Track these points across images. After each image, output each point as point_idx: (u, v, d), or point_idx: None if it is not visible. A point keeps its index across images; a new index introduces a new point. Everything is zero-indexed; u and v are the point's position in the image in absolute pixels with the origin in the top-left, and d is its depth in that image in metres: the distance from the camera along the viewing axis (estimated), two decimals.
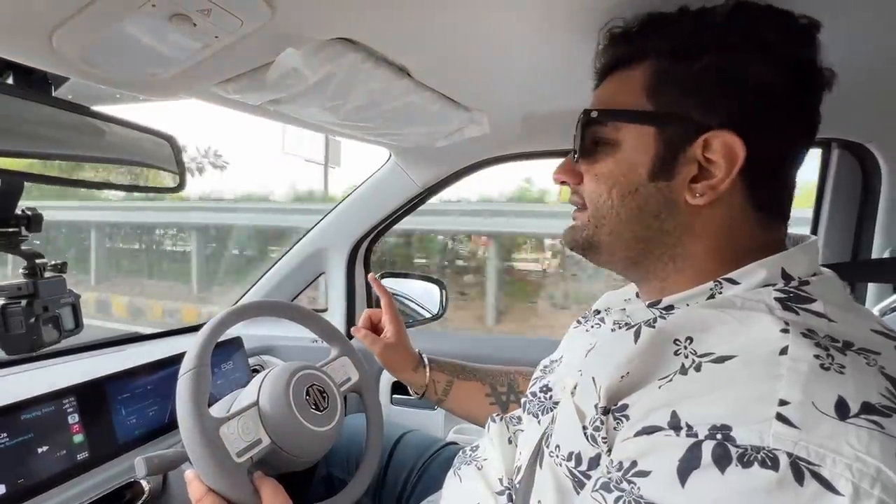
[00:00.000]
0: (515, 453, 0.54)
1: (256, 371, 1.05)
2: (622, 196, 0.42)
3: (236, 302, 1.25)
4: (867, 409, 0.27)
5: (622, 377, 0.37)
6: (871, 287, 0.88)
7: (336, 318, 1.23)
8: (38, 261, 0.65)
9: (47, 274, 0.66)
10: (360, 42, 0.50)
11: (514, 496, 0.50)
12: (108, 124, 0.57)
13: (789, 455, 0.27)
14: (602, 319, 0.57)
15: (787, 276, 0.38)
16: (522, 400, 0.58)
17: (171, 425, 0.80)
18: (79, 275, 6.32)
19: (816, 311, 0.35)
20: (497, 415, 0.62)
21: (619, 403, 0.36)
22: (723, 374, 0.32)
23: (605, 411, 0.37)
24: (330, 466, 0.89)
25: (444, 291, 1.16)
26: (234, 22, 0.40)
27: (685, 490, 0.28)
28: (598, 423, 0.37)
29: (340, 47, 0.49)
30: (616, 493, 0.32)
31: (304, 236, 1.23)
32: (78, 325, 0.70)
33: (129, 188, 0.62)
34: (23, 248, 0.64)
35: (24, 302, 0.63)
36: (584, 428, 0.39)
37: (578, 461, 0.39)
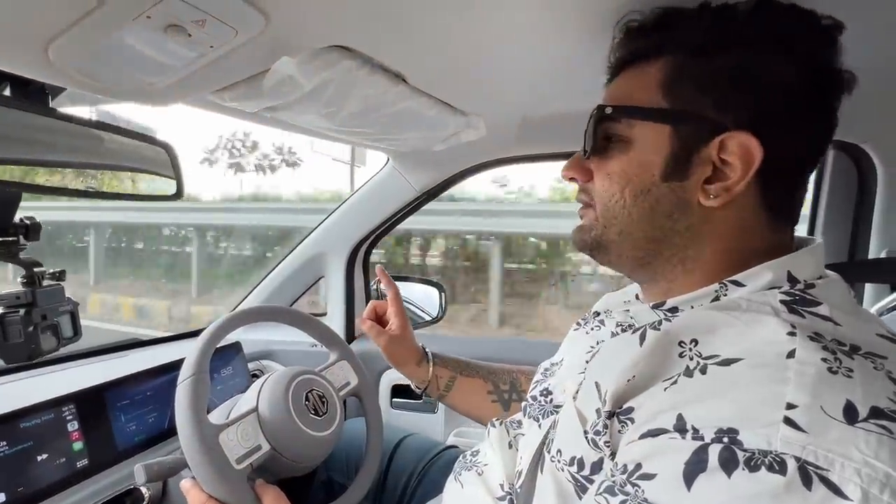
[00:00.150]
0: (516, 458, 0.54)
1: (256, 376, 1.05)
2: (634, 196, 0.41)
3: (236, 306, 1.25)
4: (876, 413, 0.27)
5: (628, 380, 0.36)
6: (868, 287, 0.89)
7: (335, 322, 1.23)
8: (36, 269, 0.66)
9: (46, 282, 0.66)
10: (355, 49, 0.50)
11: (515, 501, 0.50)
12: (106, 133, 0.58)
13: (797, 459, 0.26)
14: (602, 322, 0.57)
15: (792, 279, 0.37)
16: (523, 404, 0.58)
17: (170, 431, 0.80)
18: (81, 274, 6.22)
19: (822, 314, 0.34)
20: (497, 419, 0.62)
21: (625, 406, 0.36)
22: (729, 377, 0.32)
23: (610, 415, 0.37)
24: (330, 471, 0.89)
25: (443, 294, 1.16)
26: (229, 32, 0.40)
27: (691, 493, 0.28)
28: (599, 428, 0.37)
29: (335, 55, 0.50)
30: (620, 497, 0.32)
31: (303, 240, 1.23)
32: (76, 332, 0.70)
33: (128, 197, 0.62)
34: (21, 256, 0.64)
35: (22, 311, 0.63)
36: (586, 433, 0.39)
37: (581, 466, 0.39)
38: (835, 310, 0.34)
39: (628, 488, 0.32)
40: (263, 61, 0.48)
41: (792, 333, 0.32)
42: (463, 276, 5.33)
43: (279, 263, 1.24)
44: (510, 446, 0.58)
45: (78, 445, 0.67)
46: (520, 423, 0.60)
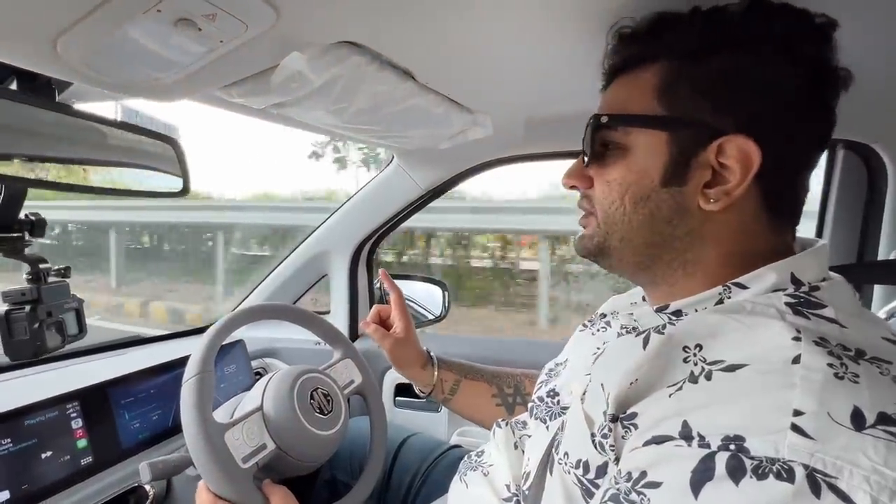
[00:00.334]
0: (523, 459, 0.53)
1: (259, 374, 1.05)
2: (634, 202, 0.41)
3: (239, 305, 1.25)
4: (883, 419, 0.27)
5: (631, 384, 0.36)
6: (878, 289, 0.88)
7: (339, 320, 1.23)
8: (41, 266, 0.65)
9: (51, 279, 0.66)
10: (364, 45, 0.50)
11: (522, 503, 0.50)
12: (112, 128, 0.57)
13: (805, 467, 0.26)
14: (608, 323, 0.57)
15: (796, 281, 0.37)
16: (529, 405, 0.57)
17: (174, 429, 0.80)
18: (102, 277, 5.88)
19: (827, 316, 0.34)
20: (503, 420, 0.62)
21: (628, 412, 0.36)
22: (734, 383, 0.31)
23: (614, 419, 0.37)
24: (334, 470, 0.88)
25: (446, 293, 1.16)
26: (239, 26, 0.40)
27: (698, 502, 0.28)
28: (606, 431, 0.37)
29: (345, 50, 0.49)
30: None
31: (306, 238, 1.23)
32: (82, 329, 0.69)
33: (134, 193, 0.61)
34: (26, 252, 0.64)
35: (27, 307, 0.63)
36: (593, 435, 0.38)
37: (586, 469, 0.39)
38: (840, 312, 0.34)
39: (633, 496, 0.31)
40: (273, 57, 0.48)
41: (797, 338, 0.31)
42: None
43: (282, 262, 1.24)
44: (516, 447, 0.58)
45: (82, 443, 0.67)
46: (525, 423, 0.60)
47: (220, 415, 0.63)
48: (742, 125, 0.37)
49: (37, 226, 0.63)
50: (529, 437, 0.55)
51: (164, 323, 5.08)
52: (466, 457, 0.63)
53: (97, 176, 0.59)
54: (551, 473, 0.44)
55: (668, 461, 0.31)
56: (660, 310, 0.42)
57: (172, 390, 0.81)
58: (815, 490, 0.26)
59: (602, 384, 0.39)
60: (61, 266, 0.68)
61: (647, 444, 0.32)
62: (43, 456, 0.62)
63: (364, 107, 0.62)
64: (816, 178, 0.95)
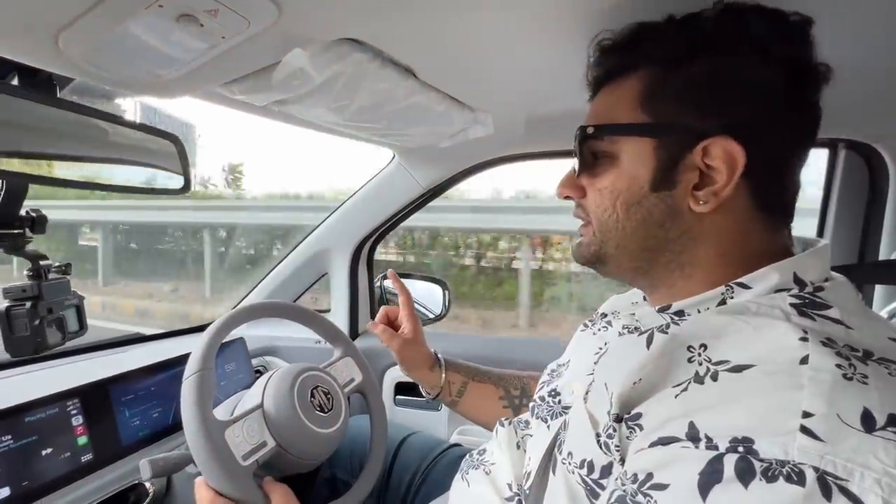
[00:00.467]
0: (524, 458, 0.53)
1: (259, 372, 1.05)
2: (626, 208, 0.41)
3: (239, 303, 1.25)
4: (893, 421, 0.27)
5: (634, 383, 0.36)
6: (879, 289, 0.88)
7: (339, 318, 1.23)
8: (42, 262, 0.65)
9: (51, 275, 0.66)
10: (366, 42, 0.50)
11: (524, 502, 0.50)
12: (113, 125, 0.57)
13: (816, 469, 0.26)
14: (609, 323, 0.57)
15: (799, 282, 0.37)
16: (531, 404, 0.57)
17: (175, 426, 0.80)
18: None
19: (833, 317, 0.34)
20: (505, 419, 0.62)
21: (633, 412, 0.35)
22: (742, 383, 0.31)
23: (618, 419, 0.36)
24: (333, 468, 0.88)
25: (446, 292, 1.16)
26: (242, 22, 0.40)
27: None
28: (611, 431, 0.37)
29: (346, 48, 0.49)
30: None
31: (307, 237, 1.23)
32: (82, 326, 0.69)
33: (134, 190, 0.61)
34: (27, 249, 0.64)
35: (28, 304, 0.63)
36: (598, 435, 0.38)
37: (591, 469, 0.39)
38: (845, 313, 0.34)
39: (640, 498, 0.31)
40: (274, 53, 0.48)
41: (804, 339, 0.31)
42: None
43: (282, 260, 1.24)
44: (518, 447, 0.58)
45: (82, 440, 0.67)
46: (527, 423, 0.59)
47: (221, 412, 0.63)
48: (725, 127, 0.37)
49: (37, 222, 0.63)
50: (531, 436, 0.55)
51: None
52: (468, 455, 0.63)
53: (97, 172, 0.59)
54: (554, 473, 0.44)
55: (675, 463, 0.30)
56: (662, 310, 0.42)
57: (173, 388, 0.81)
58: (826, 493, 0.25)
59: (605, 384, 0.39)
60: (62, 263, 0.68)
61: (653, 445, 0.32)
62: (43, 453, 0.62)
63: (365, 104, 0.62)
64: (818, 178, 0.96)
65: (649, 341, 0.39)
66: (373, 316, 1.29)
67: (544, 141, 0.95)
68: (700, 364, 0.34)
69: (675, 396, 0.33)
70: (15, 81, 0.51)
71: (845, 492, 0.25)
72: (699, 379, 0.33)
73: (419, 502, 0.80)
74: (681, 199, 0.39)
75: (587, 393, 0.42)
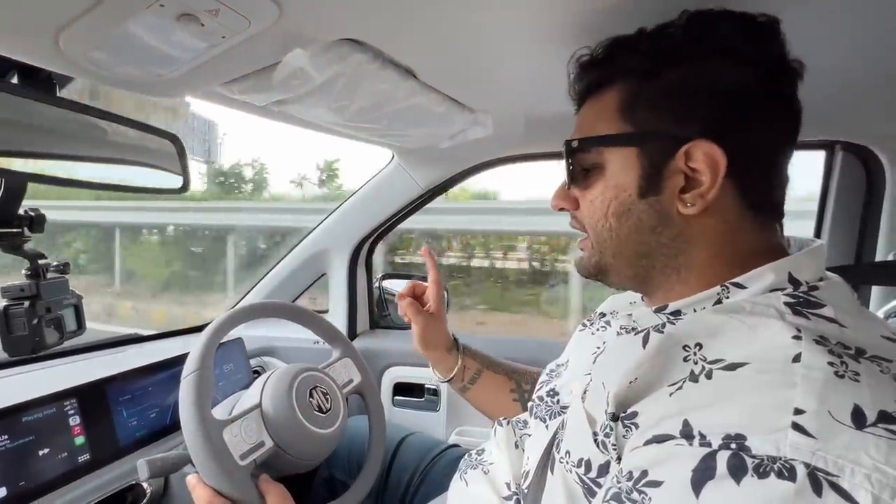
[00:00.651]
0: (523, 458, 0.54)
1: (257, 372, 1.04)
2: (618, 217, 0.42)
3: (237, 303, 1.24)
4: (884, 417, 0.27)
5: (630, 382, 0.36)
6: (875, 290, 0.88)
7: (337, 319, 1.23)
8: (40, 262, 0.65)
9: (50, 275, 0.66)
10: (366, 43, 0.50)
11: (522, 501, 0.50)
12: (113, 124, 0.57)
13: (807, 465, 0.26)
14: (608, 322, 0.57)
15: (794, 281, 0.37)
16: (529, 404, 0.58)
17: (172, 427, 0.80)
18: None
19: (827, 316, 0.34)
20: (504, 419, 0.62)
21: (629, 410, 0.36)
22: (735, 382, 0.31)
23: (615, 418, 0.37)
24: (332, 468, 0.88)
25: (445, 293, 1.16)
26: (242, 22, 0.40)
27: (699, 501, 0.28)
28: (607, 430, 0.37)
29: (347, 48, 0.49)
30: None
31: (305, 237, 1.23)
32: (80, 326, 0.69)
33: (133, 189, 0.61)
34: (26, 248, 0.64)
35: (26, 303, 0.63)
36: (595, 434, 0.39)
37: (588, 468, 0.39)
38: (839, 312, 0.34)
39: (635, 495, 0.31)
40: (275, 53, 0.48)
41: (797, 337, 0.31)
42: None
43: (280, 260, 1.24)
44: (516, 446, 0.58)
45: (80, 440, 0.67)
46: (525, 423, 0.60)
47: (219, 412, 0.63)
48: (703, 130, 0.38)
49: (36, 221, 0.62)
50: (530, 436, 0.55)
51: None
52: (467, 455, 0.63)
53: (96, 171, 0.59)
54: (552, 472, 0.44)
55: (669, 460, 0.31)
56: (658, 310, 0.42)
57: (171, 388, 0.81)
58: (817, 489, 0.26)
59: (602, 383, 0.39)
60: (60, 262, 0.68)
61: (647, 443, 0.32)
62: (40, 453, 0.62)
63: (365, 105, 0.62)
64: (815, 180, 0.96)
65: (645, 341, 0.39)
66: (371, 317, 1.29)
67: (544, 142, 0.95)
68: (695, 363, 0.34)
69: (671, 395, 0.34)
70: (15, 80, 0.51)
71: (836, 487, 0.26)
72: (694, 377, 0.33)
73: (418, 502, 0.80)
74: (669, 204, 0.40)
75: (585, 392, 0.43)
